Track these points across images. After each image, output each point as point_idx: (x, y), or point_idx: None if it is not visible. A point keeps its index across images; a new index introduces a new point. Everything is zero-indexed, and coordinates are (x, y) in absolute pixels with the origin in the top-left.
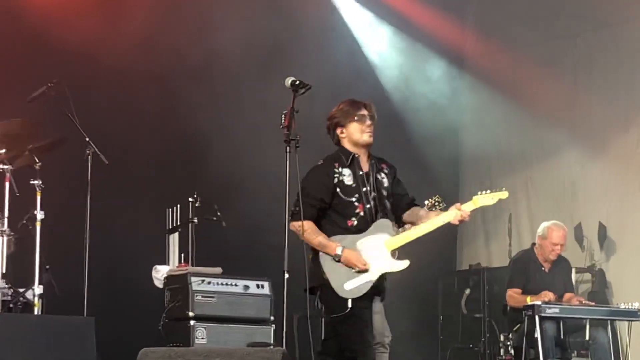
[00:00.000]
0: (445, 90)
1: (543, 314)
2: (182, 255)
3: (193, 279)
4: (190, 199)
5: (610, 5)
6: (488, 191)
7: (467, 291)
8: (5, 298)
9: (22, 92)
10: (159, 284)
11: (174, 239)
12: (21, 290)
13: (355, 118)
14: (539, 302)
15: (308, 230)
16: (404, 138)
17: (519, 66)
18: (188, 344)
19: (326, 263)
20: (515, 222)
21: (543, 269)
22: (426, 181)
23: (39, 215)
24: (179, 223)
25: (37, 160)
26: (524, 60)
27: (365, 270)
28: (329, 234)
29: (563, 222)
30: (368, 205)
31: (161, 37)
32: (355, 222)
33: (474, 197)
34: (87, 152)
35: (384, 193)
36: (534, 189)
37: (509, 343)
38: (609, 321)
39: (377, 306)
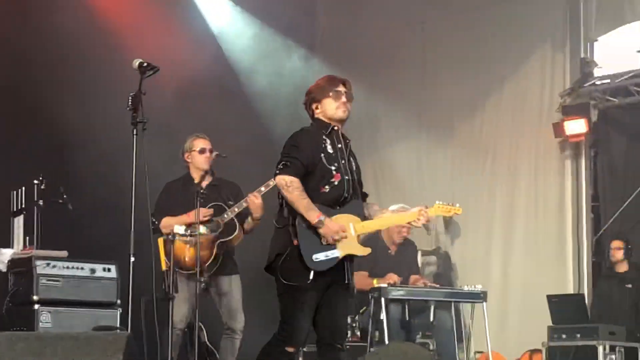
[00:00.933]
0: (293, 72)
1: (389, 296)
2: (27, 238)
3: (38, 262)
4: (35, 182)
5: None
6: (446, 203)
7: None
8: None
9: None
10: (2, 267)
11: (18, 222)
12: None
13: (330, 94)
14: (384, 285)
15: (297, 187)
16: (252, 114)
17: (368, 51)
18: (32, 329)
19: (300, 229)
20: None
21: (390, 251)
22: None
23: None
24: (23, 205)
25: None
26: (373, 46)
27: (334, 245)
28: None
29: (410, 206)
30: (346, 177)
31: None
32: (328, 190)
33: (436, 205)
34: None
35: (355, 176)
36: (382, 173)
37: (355, 325)
38: (452, 303)
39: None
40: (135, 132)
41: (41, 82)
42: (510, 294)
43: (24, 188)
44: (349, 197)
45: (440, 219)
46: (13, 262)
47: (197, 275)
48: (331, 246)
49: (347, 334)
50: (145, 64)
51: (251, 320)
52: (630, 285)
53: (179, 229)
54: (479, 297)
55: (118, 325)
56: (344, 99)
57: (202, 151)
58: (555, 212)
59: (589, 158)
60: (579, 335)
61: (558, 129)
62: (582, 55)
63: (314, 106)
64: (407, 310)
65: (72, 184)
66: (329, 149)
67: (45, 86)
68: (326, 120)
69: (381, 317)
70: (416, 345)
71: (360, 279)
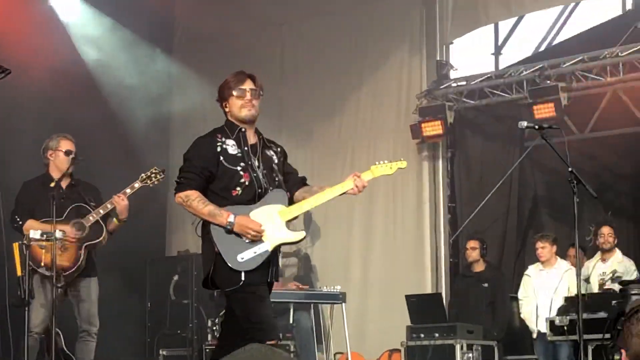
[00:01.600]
0: (153, 72)
1: None
2: None
3: None
4: None
5: None
6: (385, 161)
7: (176, 277)
8: None
9: None
10: None
11: None
12: None
13: (234, 93)
14: None
15: (196, 199)
16: (111, 115)
17: (227, 52)
18: None
19: (217, 235)
20: None
21: None
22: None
23: None
24: None
25: None
26: (232, 47)
27: (260, 239)
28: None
29: None
30: (255, 174)
31: None
32: (240, 192)
33: (372, 167)
34: None
35: (275, 168)
36: None
37: (215, 328)
38: (312, 304)
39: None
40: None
41: None
42: (369, 294)
43: None
44: (264, 191)
45: (300, 221)
46: None
47: (53, 280)
48: (258, 241)
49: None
50: None
51: (112, 325)
52: (486, 285)
53: (35, 234)
54: (338, 298)
55: None
56: (248, 96)
57: (68, 153)
58: (414, 213)
59: (446, 159)
60: (437, 335)
61: (415, 130)
62: (438, 57)
63: (223, 104)
64: None
65: None
66: (231, 151)
67: None
68: (234, 122)
69: None
70: (274, 348)
71: None
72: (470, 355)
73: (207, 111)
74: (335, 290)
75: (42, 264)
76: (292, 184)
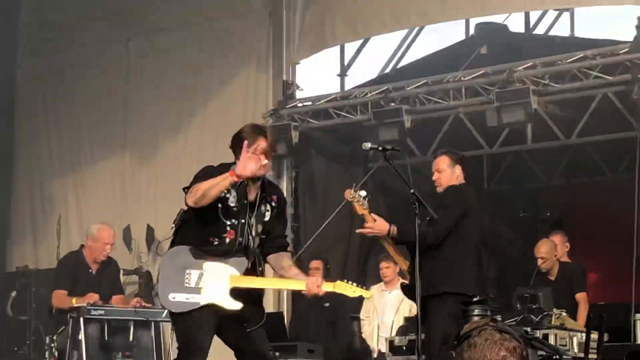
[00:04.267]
0: None
1: (88, 316)
2: None
3: None
4: None
5: (162, 12)
6: (354, 284)
7: (14, 293)
8: None
9: None
10: None
11: None
12: None
13: (248, 149)
14: (84, 304)
15: (198, 184)
16: None
17: (72, 66)
18: None
19: (164, 265)
20: (64, 223)
21: (91, 270)
22: None
23: None
24: None
25: None
26: (77, 62)
27: (197, 291)
28: (186, 239)
29: (112, 224)
30: (240, 239)
31: None
32: (217, 243)
33: (337, 282)
34: None
35: (259, 229)
36: (84, 191)
37: (53, 345)
38: (152, 322)
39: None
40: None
41: None
42: None
43: None
44: (234, 254)
45: (142, 238)
46: None
47: None
48: (195, 290)
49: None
50: None
51: None
52: (327, 304)
53: None
54: None
55: None
56: (264, 157)
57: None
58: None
59: (290, 178)
60: (277, 354)
61: None
62: (285, 77)
63: (235, 153)
64: (106, 329)
65: None
66: (230, 202)
67: None
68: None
69: (79, 337)
70: None
71: (59, 298)
72: None
73: (51, 131)
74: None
75: None
76: (269, 245)
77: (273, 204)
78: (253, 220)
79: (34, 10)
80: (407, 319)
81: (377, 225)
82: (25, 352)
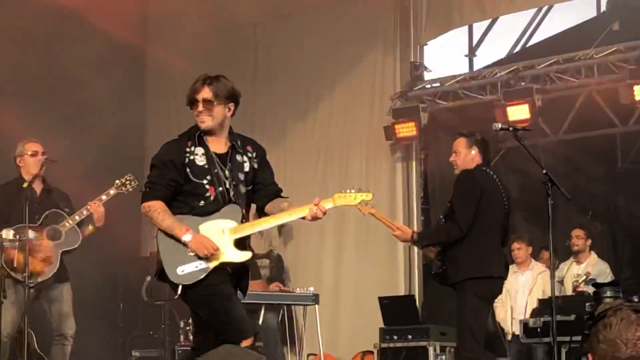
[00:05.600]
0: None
1: None
2: None
3: None
4: None
5: None
6: (353, 190)
7: (148, 278)
8: None
9: None
10: None
11: None
12: None
13: (188, 106)
14: None
15: (156, 210)
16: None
17: (199, 53)
18: None
19: (161, 243)
20: None
21: None
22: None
23: None
24: None
25: None
26: (204, 48)
27: (209, 257)
28: (175, 213)
29: None
30: (220, 189)
31: None
32: (204, 204)
33: (335, 195)
34: None
35: (241, 177)
36: None
37: (188, 328)
38: (284, 306)
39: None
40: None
41: None
42: (342, 296)
43: None
44: (225, 206)
45: None
46: None
47: (26, 280)
48: (200, 257)
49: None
50: None
51: (85, 326)
52: None
53: (7, 234)
54: (311, 299)
55: None
56: (200, 108)
57: (34, 154)
58: (386, 214)
59: (419, 161)
60: (410, 337)
61: (389, 131)
62: (412, 59)
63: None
64: None
65: None
66: (198, 161)
67: None
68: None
69: None
70: (247, 349)
71: None
72: (444, 357)
73: (181, 115)
74: (308, 292)
75: (15, 265)
76: (263, 195)
77: (249, 154)
78: (229, 170)
79: None
80: (541, 301)
81: (400, 235)
82: (160, 336)
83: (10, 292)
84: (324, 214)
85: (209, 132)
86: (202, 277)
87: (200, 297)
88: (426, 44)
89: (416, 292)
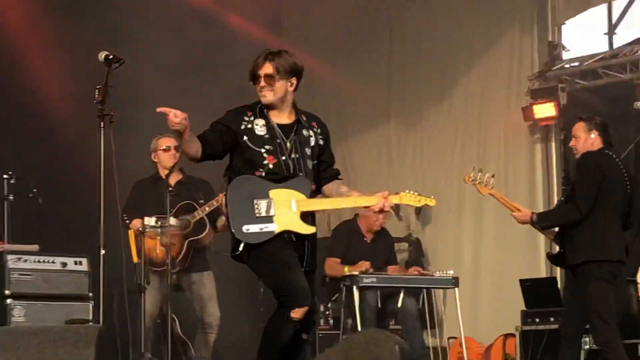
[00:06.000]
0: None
1: (361, 284)
2: None
3: (9, 256)
4: (5, 176)
5: None
6: (416, 193)
7: None
8: None
9: None
10: None
11: None
12: None
13: (251, 82)
14: (356, 272)
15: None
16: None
17: (335, 39)
18: (5, 323)
19: (231, 198)
20: None
21: (365, 238)
22: None
23: None
24: None
25: None
26: (339, 34)
27: (270, 219)
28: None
29: None
30: (283, 158)
31: None
32: (264, 174)
33: (401, 193)
34: None
35: (307, 152)
36: (351, 161)
37: (328, 313)
38: (423, 289)
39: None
40: (102, 125)
41: (7, 75)
42: (482, 279)
43: None
44: (291, 176)
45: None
46: None
47: (168, 266)
48: (268, 219)
49: (314, 322)
50: (111, 56)
51: (227, 313)
52: None
53: (150, 221)
54: (451, 282)
55: (90, 318)
56: (261, 83)
57: (166, 149)
58: (526, 196)
59: (558, 141)
60: (552, 319)
61: (527, 112)
62: (550, 38)
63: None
64: (379, 297)
65: (42, 178)
66: (258, 131)
67: (13, 80)
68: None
69: (353, 305)
70: (387, 332)
71: (332, 266)
72: (587, 339)
73: (315, 94)
74: (447, 275)
75: (157, 252)
76: (323, 175)
77: (315, 129)
78: (292, 142)
79: None
80: None
81: (520, 216)
82: None
83: (153, 278)
84: (389, 207)
85: (271, 106)
86: (265, 239)
87: (261, 260)
88: (564, 23)
89: (557, 274)
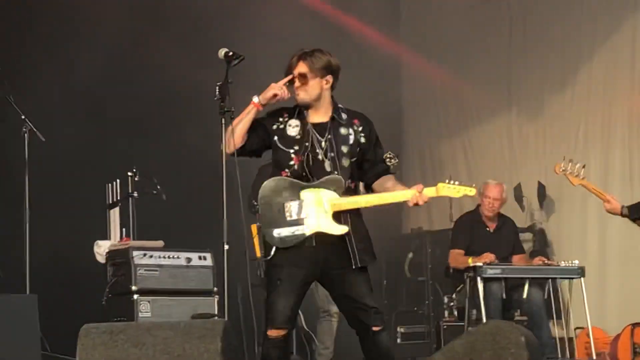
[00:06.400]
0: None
1: (485, 275)
2: (124, 229)
3: (135, 252)
4: (129, 174)
5: None
6: (456, 183)
7: (410, 255)
8: None
9: None
10: (101, 259)
11: (114, 214)
12: None
13: (287, 83)
14: (480, 264)
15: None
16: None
17: (454, 29)
18: (132, 318)
19: (263, 202)
20: None
21: (488, 229)
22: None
23: None
24: (119, 198)
25: None
26: (459, 23)
27: (301, 221)
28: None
29: (502, 183)
30: (313, 157)
31: None
32: (289, 174)
33: (439, 185)
34: (24, 129)
35: (344, 150)
36: (473, 151)
37: (452, 304)
38: (549, 280)
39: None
40: (223, 122)
41: (130, 77)
42: (608, 268)
43: (118, 180)
44: (312, 177)
45: (533, 196)
46: (111, 254)
47: None
48: (299, 221)
49: (378, 313)
50: (231, 53)
51: None
52: None
53: None
54: (577, 272)
55: (215, 313)
56: (296, 83)
57: None
58: None
59: None
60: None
61: None
62: None
63: None
64: (503, 288)
65: (165, 175)
66: (290, 132)
67: (136, 82)
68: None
69: (478, 296)
70: (513, 323)
71: (456, 258)
72: None
73: (436, 91)
74: (573, 265)
75: None
76: (371, 173)
77: (355, 127)
78: (327, 140)
79: None
80: None
81: (610, 208)
82: (425, 311)
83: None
84: (425, 201)
85: (307, 106)
86: (297, 242)
87: (268, 270)
88: None
89: None
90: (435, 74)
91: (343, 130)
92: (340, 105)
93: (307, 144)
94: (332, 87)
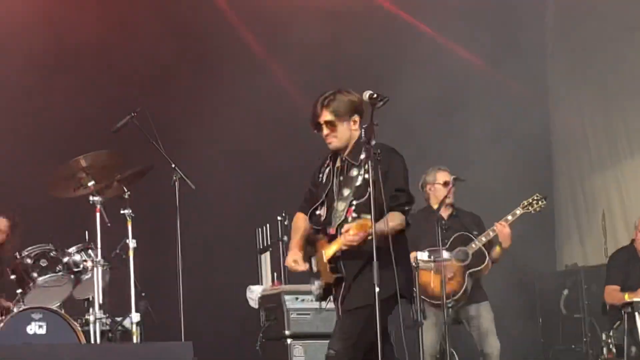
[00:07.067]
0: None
1: None
2: (275, 274)
3: (287, 297)
4: (279, 218)
5: None
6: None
7: (565, 291)
8: (104, 328)
9: (106, 124)
10: (253, 304)
11: (265, 259)
12: (119, 319)
13: (314, 131)
14: (637, 299)
15: (294, 221)
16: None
17: (600, 57)
18: None
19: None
20: (609, 219)
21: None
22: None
23: (131, 243)
24: (269, 242)
25: (126, 190)
26: (605, 49)
27: (318, 274)
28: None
29: None
30: (331, 209)
31: None
32: (324, 218)
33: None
34: (174, 178)
35: (344, 193)
36: (626, 184)
37: (610, 342)
38: None
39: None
40: (371, 164)
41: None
42: None
43: (268, 225)
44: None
45: None
46: (263, 299)
47: (443, 299)
48: (317, 275)
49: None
50: (375, 95)
51: (506, 343)
52: None
53: (422, 255)
54: None
55: None
56: (325, 131)
57: (445, 184)
58: None
59: None
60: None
61: None
62: None
63: None
64: None
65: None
66: (323, 177)
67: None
68: None
69: (636, 332)
70: None
71: (612, 294)
72: None
73: (585, 124)
74: None
75: (432, 286)
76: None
77: (366, 166)
78: (336, 185)
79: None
80: None
81: None
82: (582, 349)
83: (430, 314)
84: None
85: (342, 149)
86: (321, 292)
87: None
88: None
89: None
90: (584, 103)
91: (354, 172)
92: (363, 138)
93: (329, 186)
94: (361, 124)
